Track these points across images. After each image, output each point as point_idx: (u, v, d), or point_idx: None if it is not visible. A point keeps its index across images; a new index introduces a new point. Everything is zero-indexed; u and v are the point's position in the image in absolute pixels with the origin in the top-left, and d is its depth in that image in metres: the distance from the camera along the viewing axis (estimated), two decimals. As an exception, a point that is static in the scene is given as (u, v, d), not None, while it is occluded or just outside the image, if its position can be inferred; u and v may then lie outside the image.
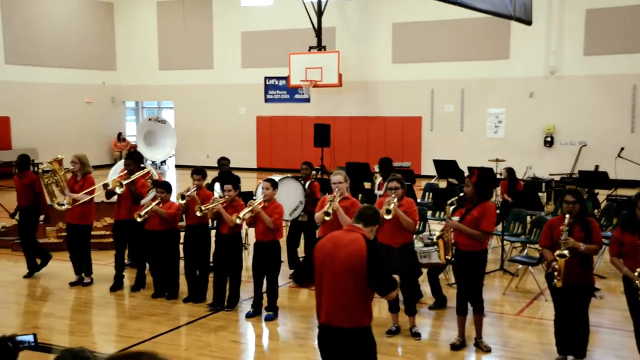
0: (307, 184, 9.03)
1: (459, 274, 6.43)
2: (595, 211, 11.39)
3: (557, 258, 5.61)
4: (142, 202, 8.24)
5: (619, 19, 18.00)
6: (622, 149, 14.39)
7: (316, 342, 6.63)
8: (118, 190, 8.17)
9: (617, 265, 5.68)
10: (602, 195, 13.23)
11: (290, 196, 8.66)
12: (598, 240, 5.77)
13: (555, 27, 18.76)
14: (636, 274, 5.32)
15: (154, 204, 7.83)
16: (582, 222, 5.77)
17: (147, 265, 8.50)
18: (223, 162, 10.38)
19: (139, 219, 7.71)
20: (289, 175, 9.26)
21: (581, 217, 5.78)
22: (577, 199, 5.78)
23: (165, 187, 8.04)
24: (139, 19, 24.88)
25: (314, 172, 9.21)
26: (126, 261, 9.01)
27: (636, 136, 17.88)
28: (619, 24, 18.04)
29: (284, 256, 8.81)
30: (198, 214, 7.43)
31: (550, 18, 18.70)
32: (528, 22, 15.10)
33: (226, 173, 9.90)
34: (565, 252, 5.59)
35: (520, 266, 8.75)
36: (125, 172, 8.56)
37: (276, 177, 8.35)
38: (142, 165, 8.84)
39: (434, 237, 6.56)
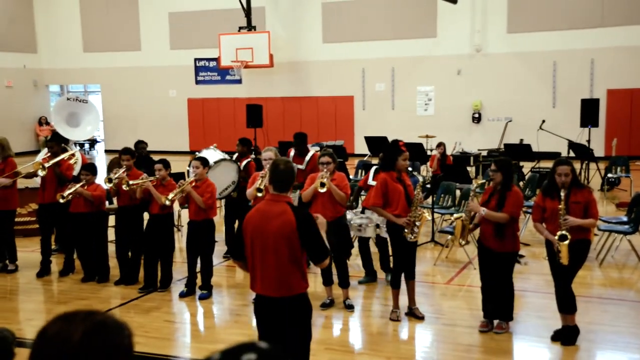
0: (244, 164, 8.77)
1: (394, 246, 6.50)
2: (521, 183, 11.81)
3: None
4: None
5: (540, -2, 18.57)
6: (544, 121, 14.92)
7: (253, 317, 6.67)
8: (40, 173, 7.90)
9: (539, 229, 5.91)
10: (527, 167, 13.74)
11: (224, 176, 8.53)
12: (509, 210, 5.86)
13: (480, 5, 19.18)
14: (556, 237, 5.54)
15: (77, 185, 7.60)
16: (503, 192, 5.91)
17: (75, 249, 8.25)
18: (140, 145, 9.85)
19: (61, 200, 7.46)
20: (227, 157, 8.88)
21: (505, 186, 5.94)
22: (497, 168, 5.95)
23: (90, 169, 7.81)
24: (59, -1, 23.92)
25: (251, 151, 9.01)
26: (53, 246, 8.73)
27: (557, 111, 18.59)
28: (540, 2, 18.62)
29: (220, 235, 8.74)
30: (125, 187, 7.27)
31: (475, -3, 19.10)
32: (453, 1, 15.41)
33: (144, 157, 9.52)
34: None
35: (449, 237, 8.99)
36: (49, 154, 8.27)
37: (213, 152, 8.24)
38: (63, 146, 8.55)
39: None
